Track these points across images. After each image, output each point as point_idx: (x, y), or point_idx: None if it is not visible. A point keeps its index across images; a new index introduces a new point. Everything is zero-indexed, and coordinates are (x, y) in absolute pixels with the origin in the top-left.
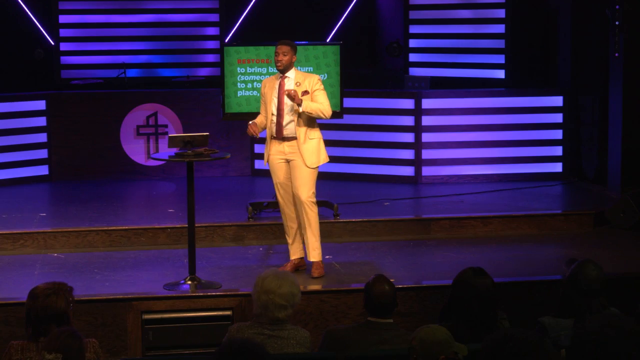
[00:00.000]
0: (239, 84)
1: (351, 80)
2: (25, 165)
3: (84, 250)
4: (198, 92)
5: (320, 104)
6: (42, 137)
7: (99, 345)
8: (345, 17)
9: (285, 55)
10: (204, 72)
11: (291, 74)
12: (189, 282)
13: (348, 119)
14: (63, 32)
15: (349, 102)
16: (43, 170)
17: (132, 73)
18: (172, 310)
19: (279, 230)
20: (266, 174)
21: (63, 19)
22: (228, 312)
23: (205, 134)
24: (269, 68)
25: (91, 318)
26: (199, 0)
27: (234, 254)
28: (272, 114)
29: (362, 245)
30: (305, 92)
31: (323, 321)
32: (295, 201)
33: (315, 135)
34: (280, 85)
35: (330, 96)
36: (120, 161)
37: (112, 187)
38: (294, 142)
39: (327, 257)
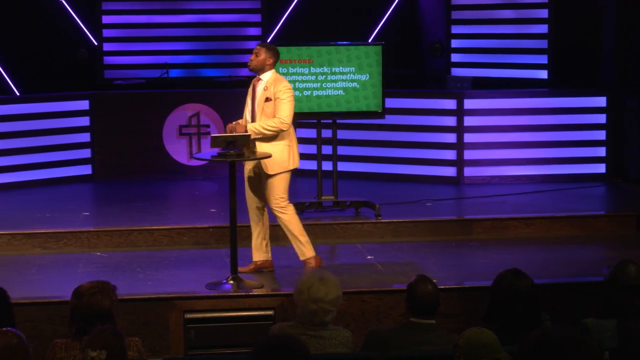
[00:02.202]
0: None
1: (393, 81)
2: (69, 164)
3: (126, 249)
4: (240, 92)
5: (272, 119)
6: (85, 137)
7: (142, 344)
8: (388, 17)
9: (257, 56)
10: (246, 72)
11: (265, 76)
12: (231, 282)
13: (390, 119)
14: (106, 33)
15: (391, 103)
16: (86, 169)
17: (174, 73)
18: (214, 309)
19: (320, 231)
20: (308, 174)
21: (106, 19)
22: (270, 312)
23: (247, 133)
24: (311, 68)
25: (134, 317)
26: (241, 0)
27: (275, 254)
28: (247, 120)
29: (404, 245)
30: (268, 99)
31: (365, 321)
32: (256, 206)
33: (281, 142)
34: (253, 88)
35: (372, 96)
36: (163, 161)
37: (154, 186)
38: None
39: (369, 257)
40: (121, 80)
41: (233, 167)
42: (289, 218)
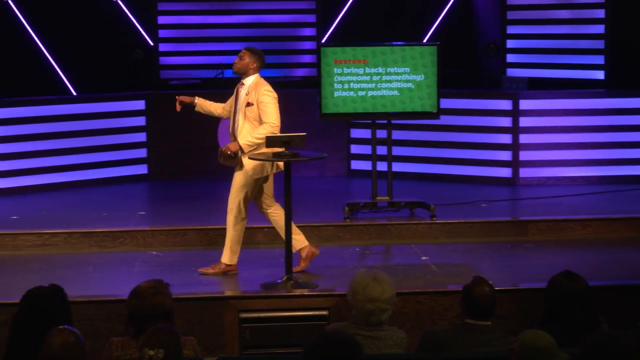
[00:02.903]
0: (335, 84)
1: (448, 81)
2: (125, 164)
3: (181, 248)
4: (295, 92)
5: (262, 126)
6: (141, 137)
7: (197, 342)
8: (442, 17)
9: (241, 60)
10: (300, 72)
11: (248, 81)
12: (286, 282)
13: (445, 119)
14: (162, 33)
15: (446, 103)
16: (142, 169)
17: (229, 73)
18: (269, 309)
19: (375, 231)
20: (362, 174)
21: (162, 19)
22: (324, 312)
23: (302, 134)
24: (366, 68)
25: (189, 316)
26: (296, 1)
27: (330, 254)
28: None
29: (459, 246)
30: (249, 104)
31: (419, 322)
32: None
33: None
34: (237, 92)
35: (427, 97)
36: (218, 161)
37: (209, 186)
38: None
39: (424, 258)
40: (177, 80)
41: (288, 167)
42: (278, 219)
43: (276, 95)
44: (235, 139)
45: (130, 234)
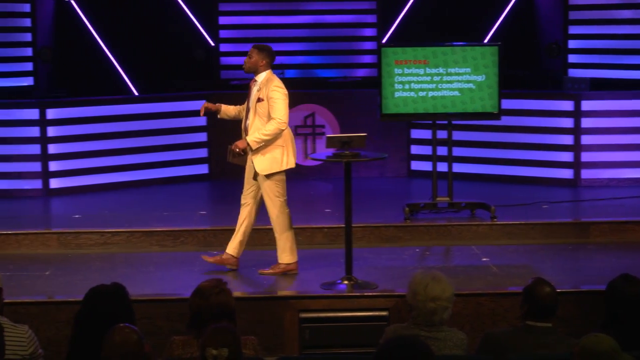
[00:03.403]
0: (396, 84)
1: (509, 82)
2: (186, 164)
3: (249, 248)
4: (355, 92)
5: (269, 123)
6: (202, 137)
7: (257, 342)
8: (504, 17)
9: (250, 58)
10: (361, 72)
11: (260, 77)
12: (346, 282)
13: (506, 120)
14: (223, 34)
15: (507, 104)
16: (203, 169)
17: (290, 74)
18: (329, 309)
19: (435, 232)
20: (422, 175)
21: (223, 20)
22: (384, 313)
23: (363, 134)
24: (427, 69)
25: (249, 315)
26: (356, 1)
27: (390, 255)
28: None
29: (520, 247)
30: (260, 100)
31: (479, 324)
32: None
33: (273, 143)
34: (250, 90)
35: (488, 97)
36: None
37: None
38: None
39: (484, 259)
40: (237, 80)
41: (348, 167)
42: (281, 221)
43: (286, 92)
44: (246, 135)
45: (191, 234)
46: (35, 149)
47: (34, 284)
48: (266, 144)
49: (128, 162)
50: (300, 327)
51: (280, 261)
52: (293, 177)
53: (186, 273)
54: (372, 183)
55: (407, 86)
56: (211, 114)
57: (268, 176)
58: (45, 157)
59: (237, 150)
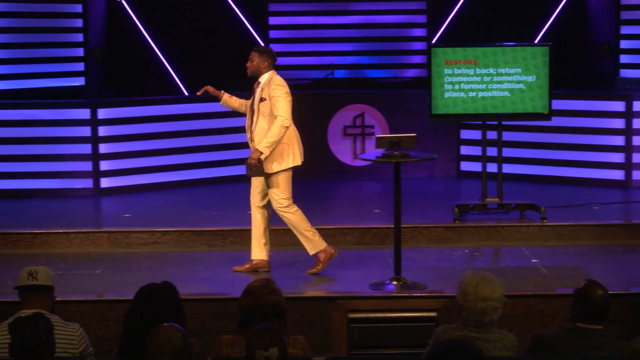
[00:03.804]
0: (446, 85)
1: (560, 82)
2: (235, 164)
3: (290, 248)
4: (404, 93)
5: (273, 125)
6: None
7: (306, 342)
8: (555, 17)
9: (251, 62)
10: (410, 73)
11: (263, 78)
12: (395, 283)
13: (556, 121)
14: (273, 34)
15: (558, 104)
16: None
17: (339, 74)
18: (377, 309)
19: (485, 233)
20: (472, 176)
21: (273, 20)
22: (433, 314)
23: (412, 135)
24: (476, 69)
25: (298, 315)
26: (406, 1)
27: (439, 255)
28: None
29: (570, 249)
30: (263, 99)
31: (529, 325)
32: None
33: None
34: (254, 92)
35: (539, 98)
36: (327, 161)
37: (318, 186)
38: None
39: (534, 260)
40: (287, 80)
41: (397, 168)
42: (293, 217)
43: (288, 90)
44: (251, 134)
45: (240, 233)
46: (86, 148)
47: (84, 283)
48: (276, 144)
49: (177, 161)
50: (349, 328)
51: (318, 255)
52: (342, 177)
53: (235, 273)
54: (421, 184)
55: (457, 86)
56: (211, 98)
57: (274, 174)
58: (96, 157)
59: (253, 162)
